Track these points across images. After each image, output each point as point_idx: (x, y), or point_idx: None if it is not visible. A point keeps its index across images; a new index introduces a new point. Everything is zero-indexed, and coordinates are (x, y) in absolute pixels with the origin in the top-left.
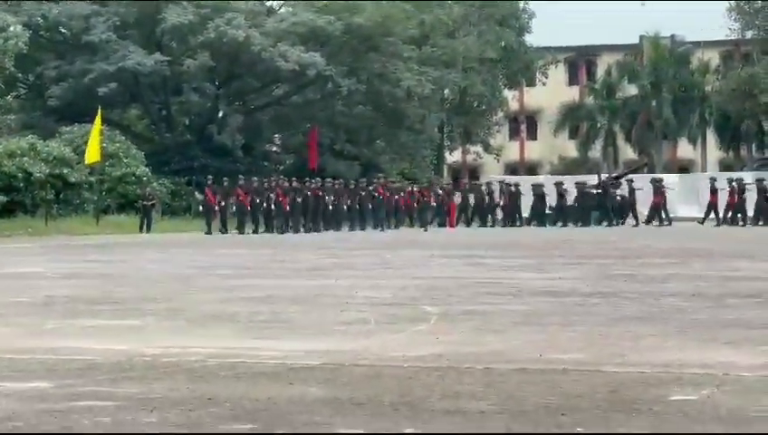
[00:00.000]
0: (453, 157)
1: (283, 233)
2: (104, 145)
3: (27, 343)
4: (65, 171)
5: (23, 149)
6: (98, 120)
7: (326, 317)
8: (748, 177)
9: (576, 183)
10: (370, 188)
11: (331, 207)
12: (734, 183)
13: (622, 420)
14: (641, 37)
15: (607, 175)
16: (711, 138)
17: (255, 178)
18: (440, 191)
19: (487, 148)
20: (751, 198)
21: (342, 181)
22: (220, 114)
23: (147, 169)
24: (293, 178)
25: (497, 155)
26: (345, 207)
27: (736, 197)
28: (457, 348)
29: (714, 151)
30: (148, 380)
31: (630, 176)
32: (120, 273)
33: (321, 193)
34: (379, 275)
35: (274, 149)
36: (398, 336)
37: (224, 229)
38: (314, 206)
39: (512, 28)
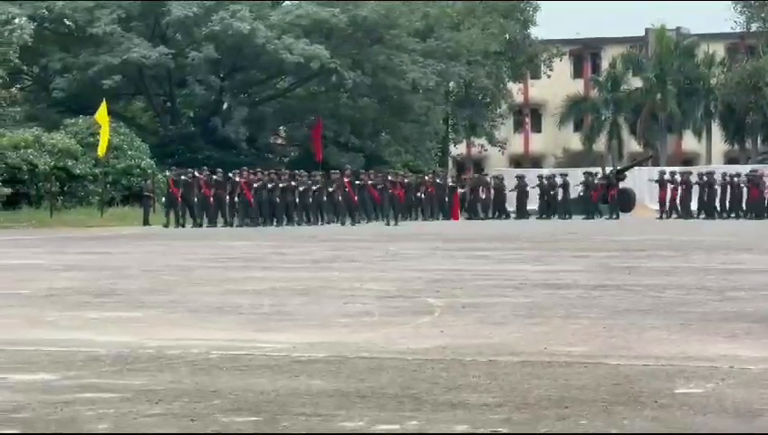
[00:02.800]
0: (457, 149)
1: (246, 226)
2: (108, 137)
3: (31, 334)
4: (70, 163)
5: (27, 141)
6: (104, 111)
7: (330, 309)
8: (747, 170)
9: (585, 173)
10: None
11: (326, 198)
12: (676, 176)
13: (626, 413)
14: (646, 30)
15: (611, 168)
16: (716, 130)
17: (219, 170)
18: (450, 183)
19: (492, 140)
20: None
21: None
22: (224, 106)
23: (151, 162)
24: (266, 170)
25: (502, 147)
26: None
27: (679, 190)
28: (461, 340)
29: (719, 144)
30: (151, 372)
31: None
32: (123, 265)
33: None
34: (383, 267)
35: (279, 141)
36: (402, 329)
37: (181, 222)
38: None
39: (516, 21)
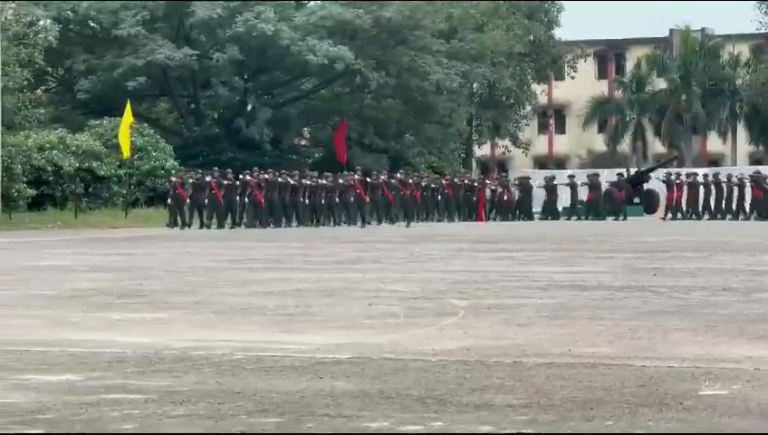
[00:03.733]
0: (481, 151)
1: (253, 227)
2: (132, 138)
3: (56, 335)
4: (94, 165)
5: (52, 142)
6: (128, 113)
7: (354, 311)
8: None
9: (618, 174)
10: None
11: (338, 200)
12: (682, 177)
13: (651, 415)
14: (671, 31)
15: (636, 169)
16: (741, 131)
17: (230, 171)
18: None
19: (516, 142)
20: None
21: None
22: (249, 108)
23: (175, 163)
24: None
25: (526, 149)
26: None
27: (685, 191)
28: (485, 342)
29: (744, 145)
30: (176, 373)
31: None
32: (147, 266)
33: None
34: (408, 268)
35: (303, 142)
36: (427, 330)
37: (187, 223)
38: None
39: (540, 22)
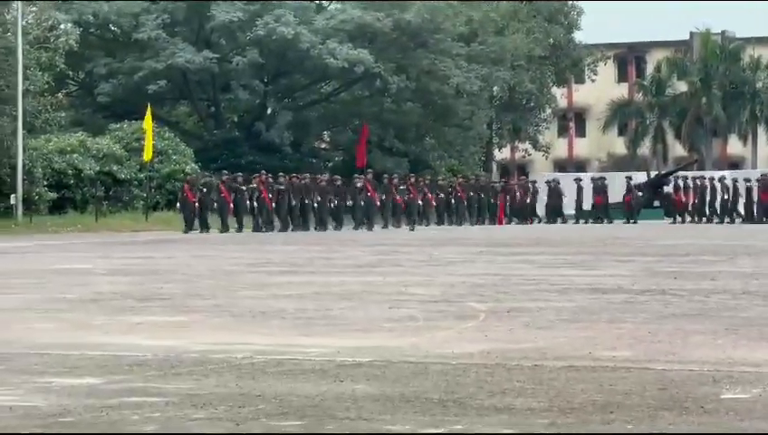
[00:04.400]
0: (501, 154)
1: (265, 231)
2: (153, 142)
3: (77, 338)
4: (115, 168)
5: (73, 145)
6: (148, 117)
7: (374, 314)
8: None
9: (626, 177)
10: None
11: (350, 202)
12: (689, 181)
13: (672, 418)
14: (691, 33)
15: (656, 172)
16: (761, 134)
17: (240, 174)
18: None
19: (536, 145)
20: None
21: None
22: (269, 111)
23: (196, 166)
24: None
25: (546, 152)
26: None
27: (692, 194)
28: (506, 345)
29: (764, 148)
30: (196, 376)
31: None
32: (167, 269)
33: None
34: (427, 271)
35: (323, 146)
36: (447, 333)
37: (204, 228)
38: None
39: (560, 25)
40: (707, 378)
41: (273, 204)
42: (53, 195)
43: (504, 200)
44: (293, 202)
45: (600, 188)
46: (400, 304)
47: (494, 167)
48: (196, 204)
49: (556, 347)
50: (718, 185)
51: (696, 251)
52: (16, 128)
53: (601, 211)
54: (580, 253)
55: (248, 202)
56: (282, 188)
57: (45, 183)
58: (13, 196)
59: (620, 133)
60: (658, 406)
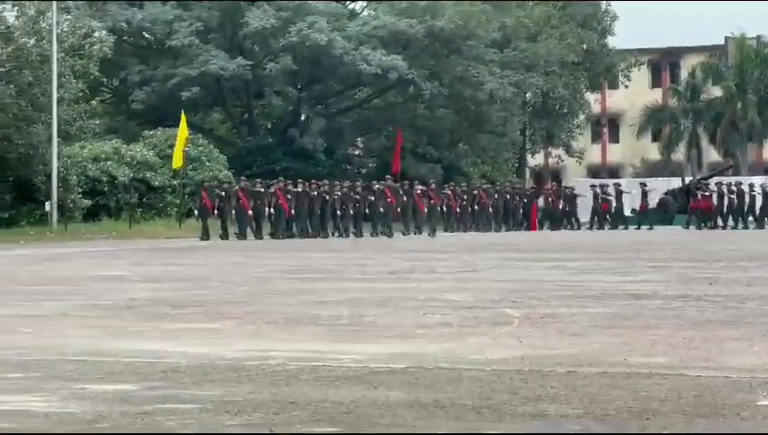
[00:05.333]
0: (535, 160)
1: (282, 238)
2: (186, 149)
3: (111, 345)
4: (149, 175)
5: (107, 153)
6: (183, 124)
7: (408, 320)
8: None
9: (641, 183)
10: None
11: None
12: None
13: (708, 425)
14: (726, 38)
15: (691, 177)
16: None
17: (258, 181)
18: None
19: (569, 151)
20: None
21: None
22: (302, 118)
23: (229, 173)
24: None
25: (579, 158)
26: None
27: (708, 199)
28: (540, 351)
29: None
30: (230, 383)
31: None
32: (201, 276)
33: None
34: (461, 278)
35: (357, 152)
36: (481, 339)
37: (224, 235)
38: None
39: (594, 30)
40: (744, 384)
41: (292, 210)
42: (88, 202)
43: (536, 206)
44: (313, 209)
45: (645, 194)
46: (434, 310)
47: (528, 173)
48: (215, 211)
49: (590, 353)
50: (746, 189)
51: (731, 257)
52: (51, 135)
53: (645, 216)
54: (614, 258)
55: (267, 209)
56: (299, 192)
57: (80, 190)
58: (47, 203)
59: (654, 139)
60: (694, 413)
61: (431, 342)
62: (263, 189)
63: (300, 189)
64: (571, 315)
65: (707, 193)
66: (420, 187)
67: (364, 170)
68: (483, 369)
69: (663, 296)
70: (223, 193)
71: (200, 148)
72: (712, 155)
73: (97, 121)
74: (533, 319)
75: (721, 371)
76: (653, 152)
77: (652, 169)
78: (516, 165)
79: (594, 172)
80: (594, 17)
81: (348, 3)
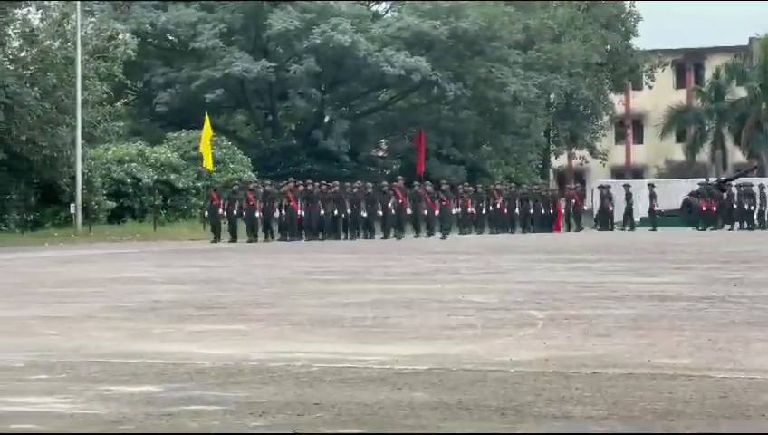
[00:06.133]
0: (558, 161)
1: (290, 240)
2: (211, 151)
3: (136, 347)
4: (172, 177)
5: (131, 155)
6: (207, 126)
7: (433, 322)
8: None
9: (699, 183)
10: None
11: (381, 212)
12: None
13: (733, 426)
14: (750, 39)
15: (715, 178)
16: None
17: (268, 182)
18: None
19: (593, 152)
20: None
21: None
22: (326, 119)
23: (253, 175)
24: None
25: (603, 159)
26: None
27: (718, 201)
28: (564, 352)
29: None
30: (255, 384)
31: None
32: (225, 278)
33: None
34: (485, 279)
35: (381, 153)
36: (505, 341)
37: (233, 237)
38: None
39: (617, 31)
40: None
41: (302, 212)
42: (112, 204)
43: (560, 207)
44: (324, 211)
45: (653, 196)
46: (458, 311)
47: (552, 174)
48: (224, 213)
49: (615, 354)
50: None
51: (756, 258)
52: (75, 138)
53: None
54: (638, 260)
55: (277, 210)
56: (311, 193)
57: (104, 192)
58: (72, 205)
59: (679, 140)
60: (719, 414)
61: (455, 343)
62: (276, 190)
63: (311, 189)
64: (595, 317)
65: (710, 198)
66: (430, 187)
67: (388, 172)
68: (507, 370)
69: (687, 298)
70: (232, 195)
71: (224, 150)
72: (736, 156)
73: (121, 124)
74: (558, 320)
75: (746, 372)
76: (677, 153)
77: (676, 170)
78: (540, 166)
79: (618, 173)
80: (618, 18)
81: (372, 4)
